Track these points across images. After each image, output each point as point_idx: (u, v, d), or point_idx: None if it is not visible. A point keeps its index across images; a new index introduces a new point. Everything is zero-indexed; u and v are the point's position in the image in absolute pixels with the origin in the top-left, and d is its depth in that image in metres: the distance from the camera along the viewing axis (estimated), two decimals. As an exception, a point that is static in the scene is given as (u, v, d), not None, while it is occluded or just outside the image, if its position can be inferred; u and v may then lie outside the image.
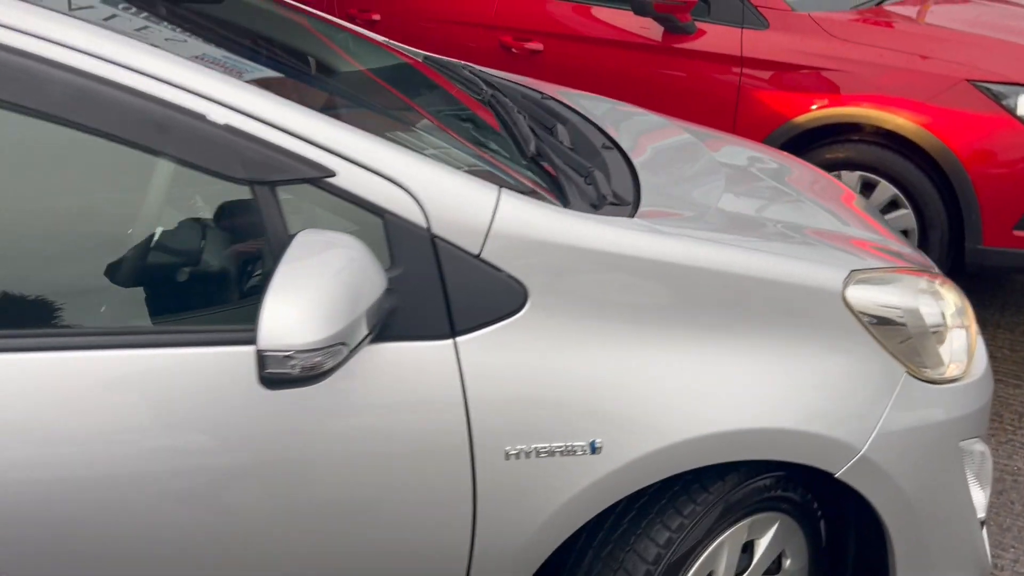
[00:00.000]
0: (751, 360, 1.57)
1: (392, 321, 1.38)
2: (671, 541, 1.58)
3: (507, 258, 1.44)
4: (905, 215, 3.52)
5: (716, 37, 3.72)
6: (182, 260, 1.40)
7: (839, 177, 3.60)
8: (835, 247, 1.79)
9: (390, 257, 1.39)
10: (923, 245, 3.52)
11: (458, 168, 1.49)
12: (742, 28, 3.68)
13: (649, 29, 3.83)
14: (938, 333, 1.74)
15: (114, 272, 1.38)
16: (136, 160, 1.32)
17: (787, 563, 1.84)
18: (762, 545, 1.75)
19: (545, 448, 1.46)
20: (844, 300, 1.63)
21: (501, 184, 1.48)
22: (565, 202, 1.63)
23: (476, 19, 4.29)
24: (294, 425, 1.34)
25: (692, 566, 1.63)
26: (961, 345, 1.86)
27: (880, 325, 1.66)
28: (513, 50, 4.15)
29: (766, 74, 3.63)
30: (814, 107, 3.55)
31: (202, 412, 1.31)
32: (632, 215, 1.62)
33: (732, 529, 1.66)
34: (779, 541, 1.78)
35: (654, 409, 1.51)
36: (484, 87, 2.26)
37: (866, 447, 1.62)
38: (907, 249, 2.05)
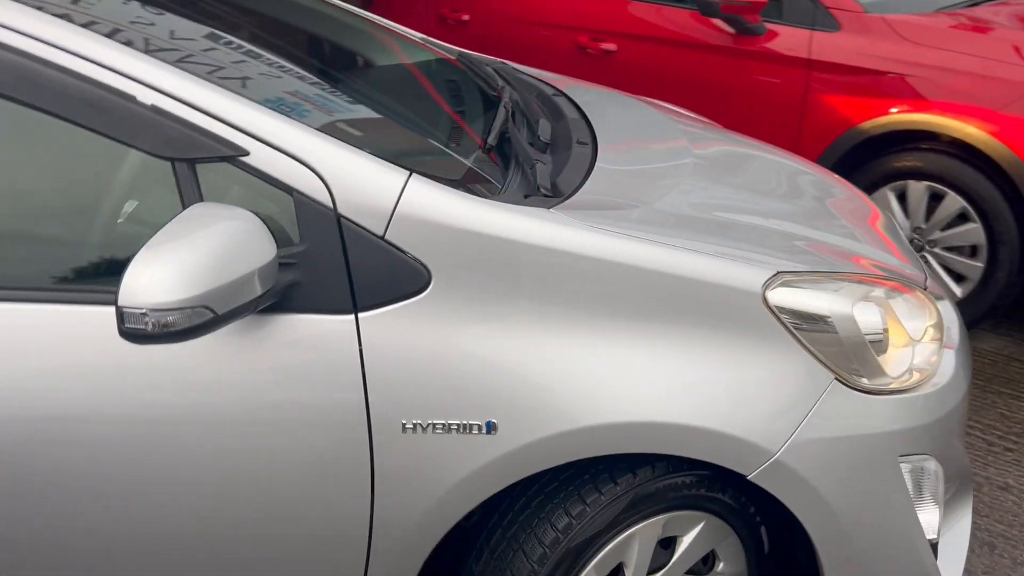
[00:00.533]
0: (660, 354, 1.57)
1: (296, 294, 1.48)
2: (570, 527, 1.60)
3: (411, 240, 1.51)
4: (974, 229, 3.33)
5: (784, 39, 3.63)
6: (104, 227, 1.54)
7: (905, 187, 3.45)
8: (773, 248, 1.75)
9: (298, 234, 1.49)
10: (992, 261, 3.32)
11: (377, 151, 1.55)
12: (812, 30, 3.57)
13: (719, 30, 3.78)
14: (879, 342, 1.68)
15: (41, 232, 1.54)
16: (70, 134, 1.46)
17: (720, 566, 1.82)
18: (684, 543, 1.74)
19: (441, 424, 1.52)
20: (764, 301, 1.60)
21: (414, 170, 1.55)
22: (501, 190, 1.69)
23: (554, 19, 4.34)
24: (189, 387, 1.46)
25: (596, 555, 1.64)
26: (924, 359, 1.79)
27: (807, 329, 1.63)
28: (588, 50, 4.18)
29: (834, 78, 3.52)
30: (881, 113, 3.41)
31: (90, 366, 1.44)
32: (556, 206, 1.65)
33: (644, 523, 1.67)
34: (706, 541, 1.76)
35: (553, 395, 1.53)
36: (498, 82, 2.32)
37: (781, 451, 1.58)
38: (912, 269, 1.98)
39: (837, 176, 2.52)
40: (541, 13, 4.41)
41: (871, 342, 1.66)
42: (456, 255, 1.52)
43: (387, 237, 1.50)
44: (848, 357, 1.65)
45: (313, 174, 1.48)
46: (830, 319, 1.64)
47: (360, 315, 1.50)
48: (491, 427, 1.53)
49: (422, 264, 1.51)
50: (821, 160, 3.58)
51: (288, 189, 1.48)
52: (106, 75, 1.45)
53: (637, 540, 1.67)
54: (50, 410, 1.44)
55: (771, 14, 3.66)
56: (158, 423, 1.46)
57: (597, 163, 1.93)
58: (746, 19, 3.65)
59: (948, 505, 1.95)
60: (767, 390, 1.61)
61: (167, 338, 1.28)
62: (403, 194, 1.51)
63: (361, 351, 1.50)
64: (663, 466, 1.65)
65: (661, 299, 1.57)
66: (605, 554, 1.65)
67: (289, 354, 1.49)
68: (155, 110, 1.45)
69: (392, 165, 1.53)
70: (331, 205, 1.48)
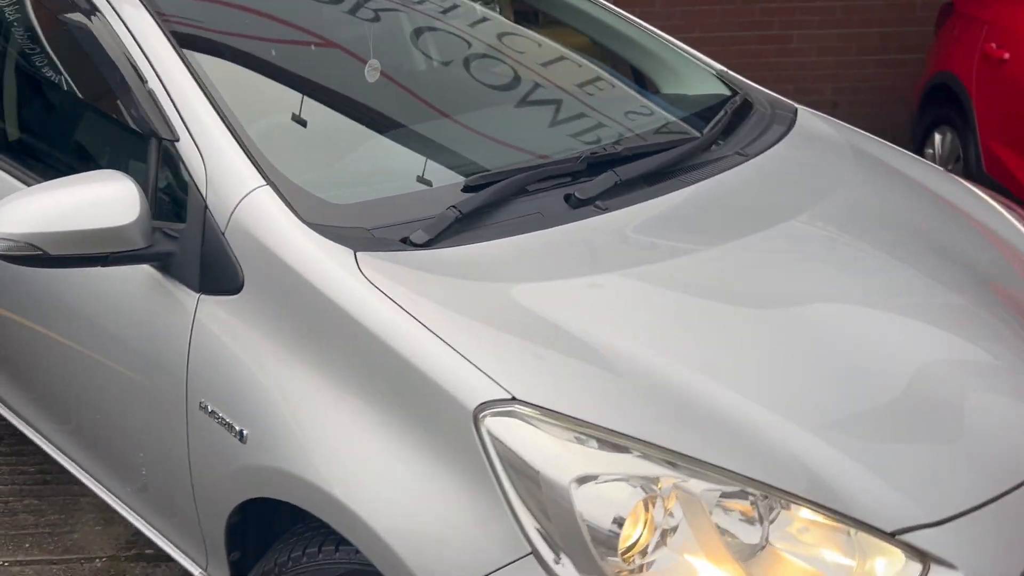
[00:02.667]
0: (373, 437, 1.42)
1: (173, 262, 1.73)
2: (284, 566, 1.57)
3: (238, 244, 1.63)
4: None
5: None
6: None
7: None
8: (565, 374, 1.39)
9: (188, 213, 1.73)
10: None
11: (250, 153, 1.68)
12: None
13: None
14: (608, 540, 1.21)
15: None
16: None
17: None
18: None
19: (219, 415, 1.64)
20: (476, 425, 1.30)
21: (270, 181, 1.64)
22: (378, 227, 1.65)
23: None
24: (85, 300, 1.84)
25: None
26: None
27: (521, 482, 1.27)
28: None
29: None
30: None
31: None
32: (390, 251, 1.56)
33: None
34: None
35: (283, 431, 1.53)
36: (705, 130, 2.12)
37: (439, 604, 1.31)
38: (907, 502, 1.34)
39: None
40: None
41: (593, 534, 1.22)
42: (262, 268, 1.59)
43: (225, 234, 1.64)
44: (556, 536, 1.25)
45: (203, 166, 1.69)
46: (540, 478, 1.25)
47: (201, 295, 1.69)
48: (243, 436, 1.59)
49: (240, 267, 1.62)
50: None
51: (190, 175, 1.72)
52: (140, 59, 1.85)
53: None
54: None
55: None
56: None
57: (573, 226, 1.70)
58: None
59: None
60: (455, 525, 1.32)
61: (6, 259, 1.66)
62: (244, 199, 1.62)
63: (193, 325, 1.69)
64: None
65: (389, 381, 1.42)
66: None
67: (154, 305, 1.76)
68: (150, 94, 1.81)
69: (253, 171, 1.65)
70: (204, 194, 1.68)
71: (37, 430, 2.30)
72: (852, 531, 1.28)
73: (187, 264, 1.70)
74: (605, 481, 1.25)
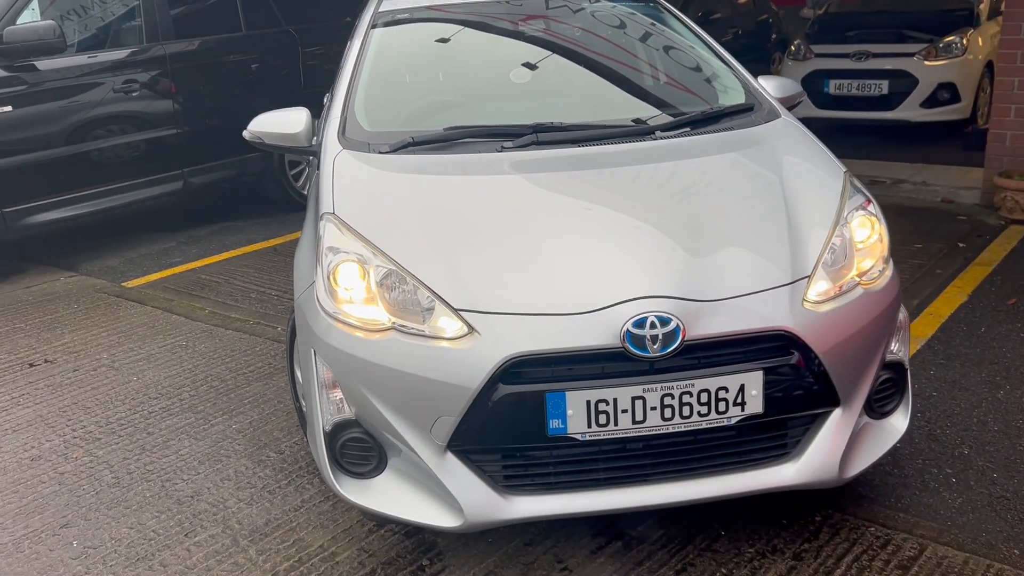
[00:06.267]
0: (308, 228, 2.90)
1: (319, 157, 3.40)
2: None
3: (321, 145, 3.23)
4: None
5: None
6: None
7: None
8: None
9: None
10: None
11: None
12: None
13: None
14: (331, 279, 2.53)
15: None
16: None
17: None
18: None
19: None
20: (319, 221, 2.69)
21: (344, 116, 3.20)
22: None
23: None
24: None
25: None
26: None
27: None
28: None
29: None
30: None
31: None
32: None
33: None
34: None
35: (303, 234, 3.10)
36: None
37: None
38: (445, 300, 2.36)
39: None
40: None
41: (328, 273, 2.54)
42: (320, 155, 3.17)
43: (320, 141, 3.26)
44: (322, 275, 2.58)
45: (330, 109, 3.33)
46: (322, 246, 2.61)
47: (317, 172, 3.33)
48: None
49: (321, 157, 3.22)
50: None
51: (327, 113, 3.37)
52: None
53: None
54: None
55: None
56: None
57: (477, 155, 2.97)
58: None
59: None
60: (311, 262, 2.76)
61: (252, 143, 3.46)
62: (328, 122, 3.23)
63: (311, 183, 3.34)
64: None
65: (315, 199, 2.87)
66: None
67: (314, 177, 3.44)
68: (337, 71, 3.53)
69: (340, 110, 3.25)
70: (325, 122, 3.33)
71: None
72: (438, 303, 2.39)
73: (318, 156, 3.34)
74: (341, 252, 2.57)
